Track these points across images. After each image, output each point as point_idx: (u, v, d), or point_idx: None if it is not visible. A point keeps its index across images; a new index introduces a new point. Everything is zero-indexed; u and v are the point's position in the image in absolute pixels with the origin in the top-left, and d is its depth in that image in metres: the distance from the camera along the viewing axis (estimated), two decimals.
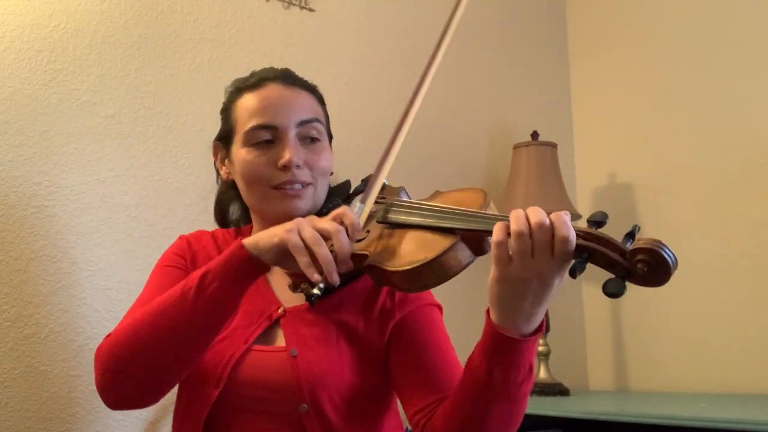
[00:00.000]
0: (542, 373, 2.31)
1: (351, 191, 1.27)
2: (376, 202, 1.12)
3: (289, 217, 1.17)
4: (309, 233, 0.99)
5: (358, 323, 1.16)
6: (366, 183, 1.26)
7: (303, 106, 1.21)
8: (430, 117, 2.36)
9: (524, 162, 2.41)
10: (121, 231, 1.68)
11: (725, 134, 2.40)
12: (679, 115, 2.53)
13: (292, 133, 1.18)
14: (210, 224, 1.78)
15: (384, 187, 1.24)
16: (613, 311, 2.58)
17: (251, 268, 1.04)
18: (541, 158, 2.41)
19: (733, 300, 2.30)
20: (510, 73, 2.67)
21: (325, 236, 0.99)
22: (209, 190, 1.81)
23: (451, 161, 2.41)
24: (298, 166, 1.16)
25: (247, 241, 1.04)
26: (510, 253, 0.90)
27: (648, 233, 2.56)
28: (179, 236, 1.32)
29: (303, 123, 1.19)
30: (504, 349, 0.95)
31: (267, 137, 1.18)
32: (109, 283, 1.64)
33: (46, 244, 1.56)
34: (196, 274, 1.04)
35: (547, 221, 0.89)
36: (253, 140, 1.18)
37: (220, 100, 1.93)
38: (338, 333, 1.15)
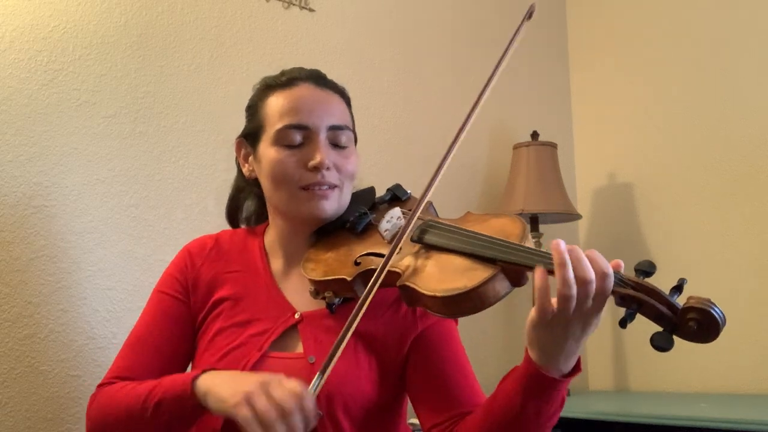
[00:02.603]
0: None
1: (375, 199, 1.26)
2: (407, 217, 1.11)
3: (316, 218, 1.18)
4: (263, 408, 0.91)
5: (377, 333, 1.15)
6: (391, 192, 1.25)
7: (334, 110, 1.20)
8: (430, 117, 2.36)
9: (524, 162, 2.41)
10: (121, 231, 1.68)
11: (725, 134, 2.40)
12: (679, 115, 2.53)
13: (322, 135, 1.17)
14: (210, 224, 1.79)
15: (409, 198, 1.23)
16: (613, 311, 2.58)
17: (199, 412, 1.03)
18: (541, 158, 2.41)
19: (733, 300, 2.30)
20: (510, 74, 2.66)
21: (281, 414, 0.91)
22: (209, 190, 1.82)
23: (451, 161, 2.41)
24: (327, 168, 1.16)
25: (199, 386, 1.01)
26: (553, 307, 0.90)
27: (648, 233, 2.56)
28: (183, 248, 1.30)
29: (334, 128, 1.19)
30: (542, 388, 0.95)
31: (298, 137, 1.17)
32: (110, 283, 1.64)
33: (46, 244, 1.56)
34: (155, 394, 1.05)
35: (594, 281, 0.88)
36: (283, 140, 1.17)
37: (220, 100, 1.94)
38: (357, 341, 1.14)
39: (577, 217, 2.47)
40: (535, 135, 2.46)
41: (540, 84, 2.77)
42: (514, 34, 1.12)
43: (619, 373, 2.59)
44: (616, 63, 2.73)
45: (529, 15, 1.16)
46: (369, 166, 2.17)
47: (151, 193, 1.73)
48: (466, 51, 2.53)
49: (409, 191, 1.26)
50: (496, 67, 1.10)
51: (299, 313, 1.17)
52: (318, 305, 1.15)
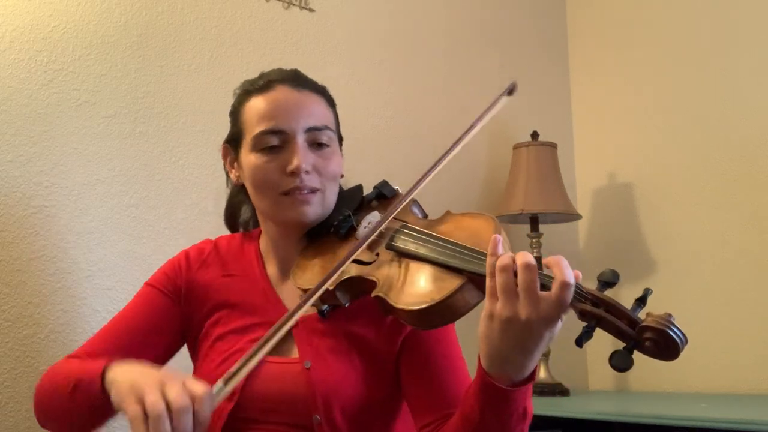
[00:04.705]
0: (542, 373, 2.30)
1: (362, 197, 1.25)
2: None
3: (299, 223, 1.17)
4: (151, 403, 0.86)
5: (369, 334, 1.15)
6: (378, 190, 1.24)
7: (312, 111, 1.18)
8: (430, 117, 2.36)
9: (524, 162, 2.41)
10: (121, 231, 1.68)
11: (725, 134, 2.40)
12: (678, 115, 2.53)
13: (300, 139, 1.15)
14: (210, 224, 1.79)
15: (395, 195, 1.22)
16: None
17: (107, 402, 0.98)
18: (541, 158, 2.41)
19: (733, 300, 2.30)
20: (510, 74, 2.67)
21: (172, 410, 0.86)
22: (209, 190, 1.82)
23: (451, 161, 2.40)
24: (306, 172, 1.14)
25: (107, 376, 1.00)
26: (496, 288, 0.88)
27: (648, 233, 2.56)
28: (182, 251, 1.30)
29: (312, 129, 1.17)
30: (494, 398, 0.93)
31: (275, 142, 1.15)
32: (110, 283, 1.64)
33: (46, 244, 1.56)
34: (76, 375, 1.06)
35: (533, 263, 0.87)
36: (261, 145, 1.16)
37: (220, 100, 1.93)
38: (350, 344, 1.14)
39: (577, 217, 2.47)
40: (535, 135, 2.46)
41: (540, 84, 2.76)
42: (490, 106, 1.12)
43: (618, 373, 2.59)
44: (616, 63, 2.73)
45: (509, 91, 1.15)
46: (368, 166, 2.17)
47: (151, 193, 1.73)
48: (465, 51, 2.53)
49: (396, 187, 1.24)
50: (469, 129, 1.11)
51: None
52: (313, 309, 1.15)
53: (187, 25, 1.84)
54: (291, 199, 1.15)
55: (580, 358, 2.66)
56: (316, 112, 1.18)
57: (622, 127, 2.69)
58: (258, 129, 1.16)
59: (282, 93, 1.18)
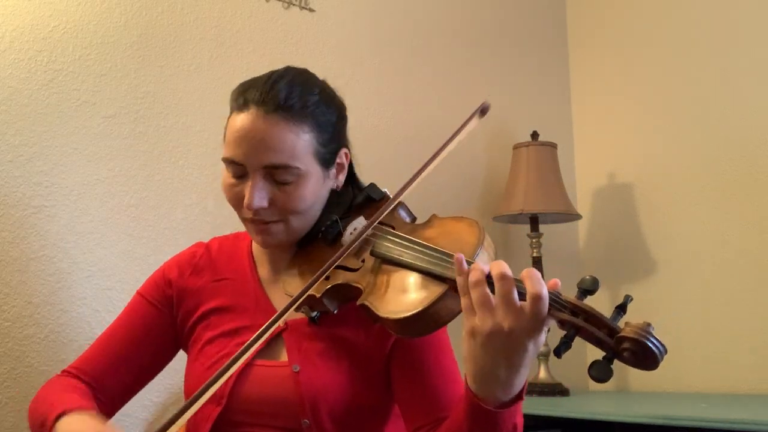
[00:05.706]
0: (542, 374, 2.31)
1: (351, 201, 1.23)
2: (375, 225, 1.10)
3: (265, 247, 1.19)
4: None
5: (358, 338, 1.15)
6: (366, 193, 1.22)
7: (276, 145, 1.08)
8: (430, 117, 2.36)
9: (524, 162, 2.41)
10: (121, 231, 1.68)
11: (725, 134, 2.40)
12: (679, 114, 2.53)
13: (258, 175, 1.09)
14: (210, 224, 1.79)
15: (385, 197, 1.21)
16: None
17: None
18: (541, 158, 2.41)
19: (733, 300, 2.30)
20: (510, 73, 2.67)
21: None
22: (209, 190, 1.82)
23: (451, 161, 2.40)
24: (263, 207, 1.11)
25: (58, 426, 1.05)
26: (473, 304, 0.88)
27: (648, 233, 2.56)
28: (174, 258, 1.29)
29: (271, 167, 1.09)
30: (483, 420, 0.92)
31: (236, 171, 1.12)
32: (109, 284, 1.64)
33: (46, 244, 1.56)
34: (45, 414, 1.09)
35: (509, 273, 0.87)
36: (227, 167, 1.14)
37: (220, 100, 1.93)
38: (340, 348, 1.14)
39: (577, 217, 2.47)
40: (535, 135, 2.46)
41: (540, 84, 2.77)
42: (463, 125, 1.12)
43: (619, 373, 2.59)
44: (616, 63, 2.73)
45: (482, 112, 1.14)
46: (369, 166, 2.16)
47: (151, 193, 1.73)
48: (465, 51, 2.53)
49: (384, 190, 1.22)
50: (441, 148, 1.11)
51: (284, 320, 1.15)
52: (303, 314, 1.15)
53: (187, 25, 1.84)
54: (252, 226, 1.15)
55: (579, 358, 2.65)
56: (280, 147, 1.08)
57: (622, 127, 2.69)
58: (224, 153, 1.13)
59: (249, 120, 1.09)
